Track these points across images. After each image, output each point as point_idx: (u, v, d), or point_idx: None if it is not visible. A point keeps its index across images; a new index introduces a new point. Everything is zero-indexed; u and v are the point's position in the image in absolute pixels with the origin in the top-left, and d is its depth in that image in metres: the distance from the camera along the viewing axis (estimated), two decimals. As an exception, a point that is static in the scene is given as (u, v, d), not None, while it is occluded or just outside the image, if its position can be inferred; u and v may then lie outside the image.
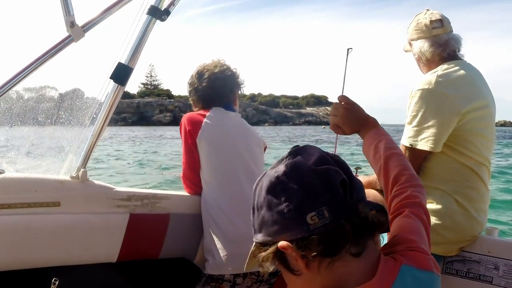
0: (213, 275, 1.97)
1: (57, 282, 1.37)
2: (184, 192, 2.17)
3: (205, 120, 2.09)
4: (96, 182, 1.91)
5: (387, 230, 0.81)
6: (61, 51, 1.69)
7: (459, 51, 2.10)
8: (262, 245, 0.81)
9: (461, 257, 2.03)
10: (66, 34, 1.68)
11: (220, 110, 2.16)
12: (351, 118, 1.34)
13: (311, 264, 0.77)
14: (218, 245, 1.97)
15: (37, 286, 1.78)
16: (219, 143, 2.09)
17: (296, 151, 0.83)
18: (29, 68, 1.65)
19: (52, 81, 1.91)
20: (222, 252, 1.95)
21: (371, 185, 2.18)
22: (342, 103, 1.37)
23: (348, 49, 1.73)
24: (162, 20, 1.77)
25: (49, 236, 1.79)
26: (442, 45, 2.05)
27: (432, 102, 1.93)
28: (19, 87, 1.73)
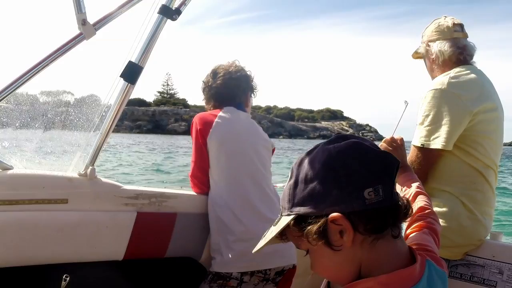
0: (220, 273, 1.98)
1: (68, 279, 1.37)
2: (192, 192, 2.18)
3: (216, 120, 2.11)
4: (104, 180, 1.92)
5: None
6: (72, 48, 1.69)
7: (471, 58, 2.15)
8: (303, 218, 0.81)
9: (466, 261, 2.04)
10: (77, 32, 1.68)
11: (232, 109, 2.18)
12: (397, 154, 1.54)
13: (356, 239, 0.79)
14: (226, 243, 1.98)
15: (43, 282, 1.78)
16: (229, 143, 2.11)
17: (346, 136, 0.86)
18: (41, 65, 1.66)
19: (62, 79, 1.91)
20: (230, 251, 1.97)
21: None
22: (399, 141, 1.63)
23: (405, 102, 1.84)
24: (173, 19, 1.78)
25: (56, 233, 1.79)
26: (460, 47, 2.10)
27: (444, 102, 1.96)
28: (28, 85, 1.73)
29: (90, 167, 1.85)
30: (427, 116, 1.98)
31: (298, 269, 2.11)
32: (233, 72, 2.22)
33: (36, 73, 1.67)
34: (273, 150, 2.31)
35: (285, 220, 0.84)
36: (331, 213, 0.78)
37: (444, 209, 1.95)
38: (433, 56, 2.15)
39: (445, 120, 1.94)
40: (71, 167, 1.91)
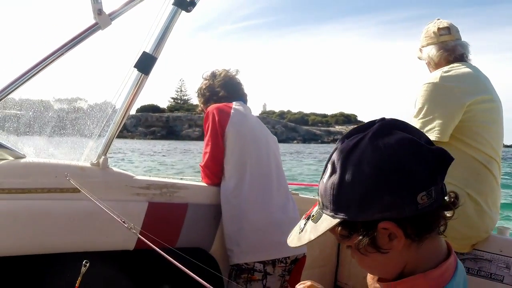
0: (241, 265, 1.99)
1: (88, 265, 1.38)
2: (203, 183, 2.19)
3: (232, 111, 2.13)
4: (116, 169, 1.93)
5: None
6: (87, 38, 1.70)
7: (467, 56, 2.23)
8: (350, 223, 0.78)
9: (473, 255, 2.05)
10: (93, 21, 1.69)
11: (241, 104, 2.22)
12: None
13: (405, 243, 0.77)
14: (244, 233, 1.99)
15: (56, 270, 1.79)
16: (246, 133, 2.14)
17: (392, 125, 0.79)
18: (56, 54, 1.67)
19: (77, 69, 1.92)
20: (247, 240, 1.98)
21: None
22: None
23: None
24: (188, 11, 1.79)
25: (68, 222, 1.80)
26: (449, 50, 2.18)
27: (437, 94, 2.04)
28: (43, 74, 1.74)
29: (103, 157, 1.87)
30: (420, 109, 2.06)
31: (306, 261, 2.12)
32: (230, 74, 2.32)
33: (52, 61, 1.68)
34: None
35: (328, 220, 0.80)
36: (381, 219, 0.75)
37: None
38: (426, 61, 2.27)
39: (438, 113, 2.01)
40: (83, 157, 1.92)
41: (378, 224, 0.75)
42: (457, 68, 2.09)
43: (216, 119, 2.10)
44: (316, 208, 0.85)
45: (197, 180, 2.26)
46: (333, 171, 0.79)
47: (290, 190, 2.28)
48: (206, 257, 2.14)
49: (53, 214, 1.78)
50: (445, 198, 0.80)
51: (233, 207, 2.04)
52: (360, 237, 0.77)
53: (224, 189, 2.10)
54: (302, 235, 0.86)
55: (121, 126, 1.88)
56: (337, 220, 0.78)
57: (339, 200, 0.77)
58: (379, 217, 0.74)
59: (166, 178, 2.09)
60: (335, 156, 0.80)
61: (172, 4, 1.78)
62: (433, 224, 0.78)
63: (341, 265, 2.67)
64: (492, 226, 2.06)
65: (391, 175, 0.73)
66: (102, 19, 1.69)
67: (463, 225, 1.96)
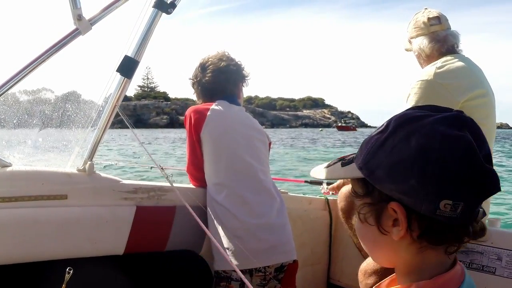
0: (220, 273, 1.97)
1: (71, 271, 1.38)
2: (191, 185, 2.18)
3: (208, 113, 2.06)
4: (103, 175, 1.92)
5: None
6: (68, 44, 1.70)
7: (457, 46, 2.18)
8: (368, 183, 0.76)
9: (464, 248, 2.02)
10: (73, 27, 1.69)
11: (224, 103, 2.13)
12: None
13: (405, 238, 0.74)
14: (220, 240, 1.94)
15: (45, 279, 1.79)
16: (221, 138, 2.07)
17: (465, 122, 0.73)
18: (37, 61, 1.66)
19: (59, 74, 1.91)
20: (226, 247, 1.93)
21: None
22: None
23: None
24: (168, 13, 1.79)
25: (56, 229, 1.80)
26: (440, 40, 2.13)
27: (430, 92, 2.00)
28: (26, 81, 1.73)
29: (89, 162, 1.86)
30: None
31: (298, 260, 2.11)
32: (222, 66, 2.16)
33: (33, 69, 1.67)
34: (270, 144, 2.26)
35: (354, 171, 0.78)
36: (396, 200, 0.72)
37: None
38: (416, 53, 2.20)
39: None
40: (69, 163, 1.92)
41: (391, 202, 0.73)
42: (451, 63, 2.05)
43: (192, 124, 2.06)
44: (351, 155, 0.83)
45: (185, 183, 2.25)
46: (384, 129, 0.76)
47: (279, 189, 2.22)
48: (196, 259, 2.13)
49: (41, 221, 1.78)
50: (474, 224, 0.75)
51: (213, 212, 2.01)
52: (369, 203, 0.76)
53: (207, 193, 2.07)
54: (327, 169, 0.86)
55: (106, 130, 1.87)
56: (359, 175, 0.77)
57: (372, 157, 0.75)
58: (396, 196, 0.72)
59: (154, 182, 2.09)
60: (395, 117, 0.76)
61: (152, 7, 1.77)
62: (442, 239, 0.73)
63: (333, 263, 2.67)
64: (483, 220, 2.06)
65: (431, 165, 0.69)
66: (82, 25, 1.68)
67: None
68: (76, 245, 1.85)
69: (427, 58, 2.15)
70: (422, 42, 2.14)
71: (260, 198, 2.03)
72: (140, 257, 2.01)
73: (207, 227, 2.09)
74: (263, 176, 2.09)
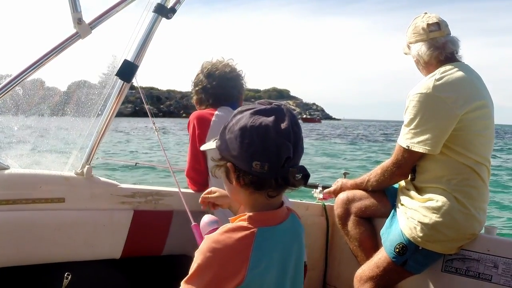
0: None
1: (69, 277, 1.38)
2: (188, 189, 2.18)
3: (213, 118, 2.07)
4: (101, 178, 1.93)
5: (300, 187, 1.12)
6: (68, 47, 1.70)
7: (457, 53, 2.14)
8: (220, 151, 1.12)
9: (461, 255, 2.05)
10: (73, 31, 1.69)
11: (227, 110, 2.14)
12: None
13: (240, 184, 1.08)
14: None
15: (41, 282, 1.78)
16: None
17: (278, 110, 1.07)
18: (37, 64, 1.66)
19: (59, 77, 1.92)
20: None
21: (359, 187, 2.30)
22: None
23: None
24: (168, 18, 1.79)
25: (53, 232, 1.80)
26: (439, 47, 2.09)
27: (429, 106, 1.97)
28: (26, 83, 1.74)
29: (87, 166, 1.86)
30: (412, 119, 2.00)
31: None
32: (228, 73, 2.21)
33: (33, 72, 1.67)
34: None
35: (214, 144, 1.15)
36: (230, 161, 1.08)
37: (437, 204, 1.96)
38: (415, 59, 2.18)
39: (431, 125, 1.95)
40: (67, 166, 1.92)
41: (228, 163, 1.09)
42: (449, 74, 2.01)
43: (196, 131, 2.06)
44: None
45: (183, 187, 2.25)
46: (230, 121, 1.11)
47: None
48: None
49: (39, 224, 1.78)
50: (291, 178, 1.05)
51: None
52: (221, 165, 1.12)
53: None
54: (212, 143, 1.17)
55: (104, 134, 1.87)
56: (215, 144, 1.13)
57: (221, 136, 1.11)
58: (230, 159, 1.08)
59: (151, 186, 2.08)
60: (237, 112, 1.11)
61: (153, 12, 1.78)
62: (258, 186, 1.06)
63: (330, 267, 2.67)
64: (480, 228, 2.05)
65: (245, 138, 1.04)
66: (82, 28, 1.68)
67: (448, 228, 1.95)
68: (73, 248, 1.85)
69: (425, 65, 2.13)
70: (421, 49, 2.12)
71: None
72: (137, 261, 2.01)
73: None
74: None
